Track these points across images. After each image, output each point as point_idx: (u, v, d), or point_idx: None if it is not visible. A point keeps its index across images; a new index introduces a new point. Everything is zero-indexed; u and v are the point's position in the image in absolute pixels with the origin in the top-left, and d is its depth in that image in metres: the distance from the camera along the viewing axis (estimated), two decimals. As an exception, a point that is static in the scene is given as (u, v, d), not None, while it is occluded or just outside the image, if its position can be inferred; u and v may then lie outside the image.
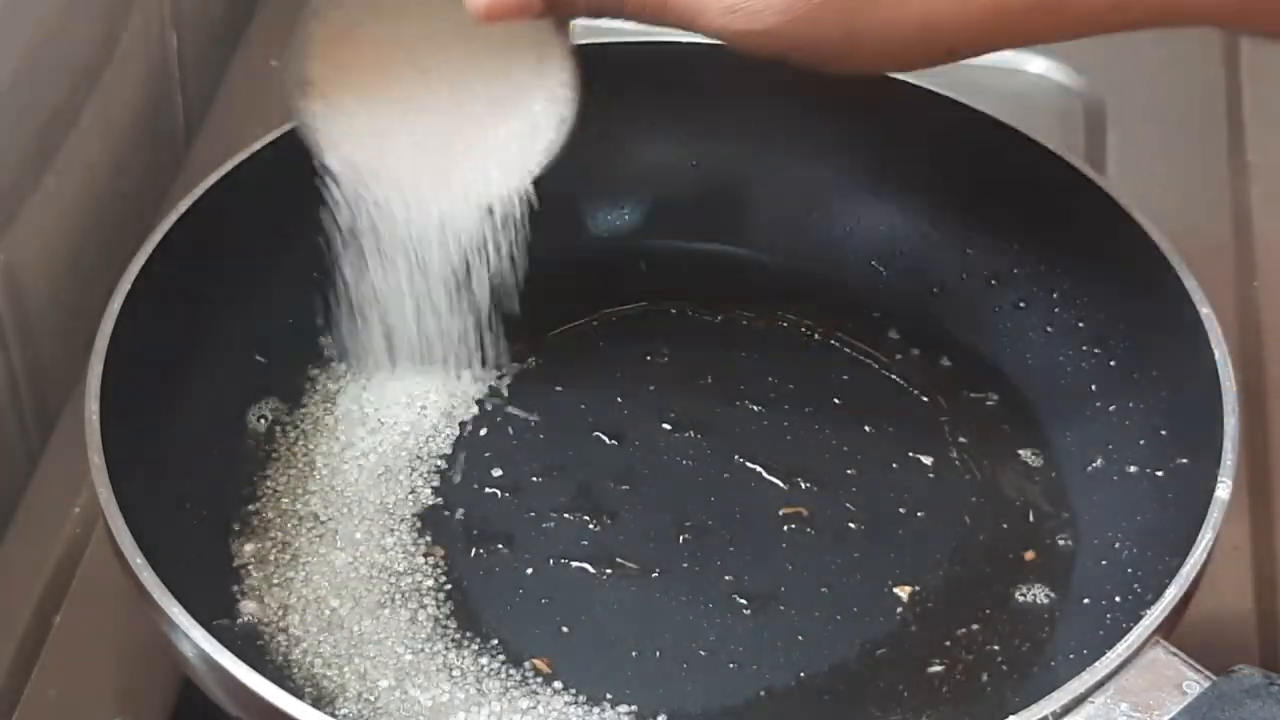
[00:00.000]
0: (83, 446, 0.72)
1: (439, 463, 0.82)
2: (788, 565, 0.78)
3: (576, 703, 0.73)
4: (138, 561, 0.68)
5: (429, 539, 0.79)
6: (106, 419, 0.72)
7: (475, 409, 0.84)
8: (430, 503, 0.80)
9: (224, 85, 1.03)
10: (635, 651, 0.75)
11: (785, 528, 0.79)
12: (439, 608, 0.76)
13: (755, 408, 0.84)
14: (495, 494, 0.81)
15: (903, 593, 0.77)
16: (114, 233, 0.90)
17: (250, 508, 0.79)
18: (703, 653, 0.75)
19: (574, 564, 0.77)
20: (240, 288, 0.83)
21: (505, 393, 0.85)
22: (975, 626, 0.76)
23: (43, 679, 0.77)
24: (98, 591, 0.80)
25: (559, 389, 0.85)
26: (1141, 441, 0.80)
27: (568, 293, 0.88)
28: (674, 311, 0.89)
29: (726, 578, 0.77)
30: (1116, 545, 0.78)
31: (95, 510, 0.75)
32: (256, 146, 0.84)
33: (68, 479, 0.83)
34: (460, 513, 0.80)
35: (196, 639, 0.67)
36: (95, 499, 0.70)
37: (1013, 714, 0.66)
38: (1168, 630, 0.68)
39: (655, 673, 0.74)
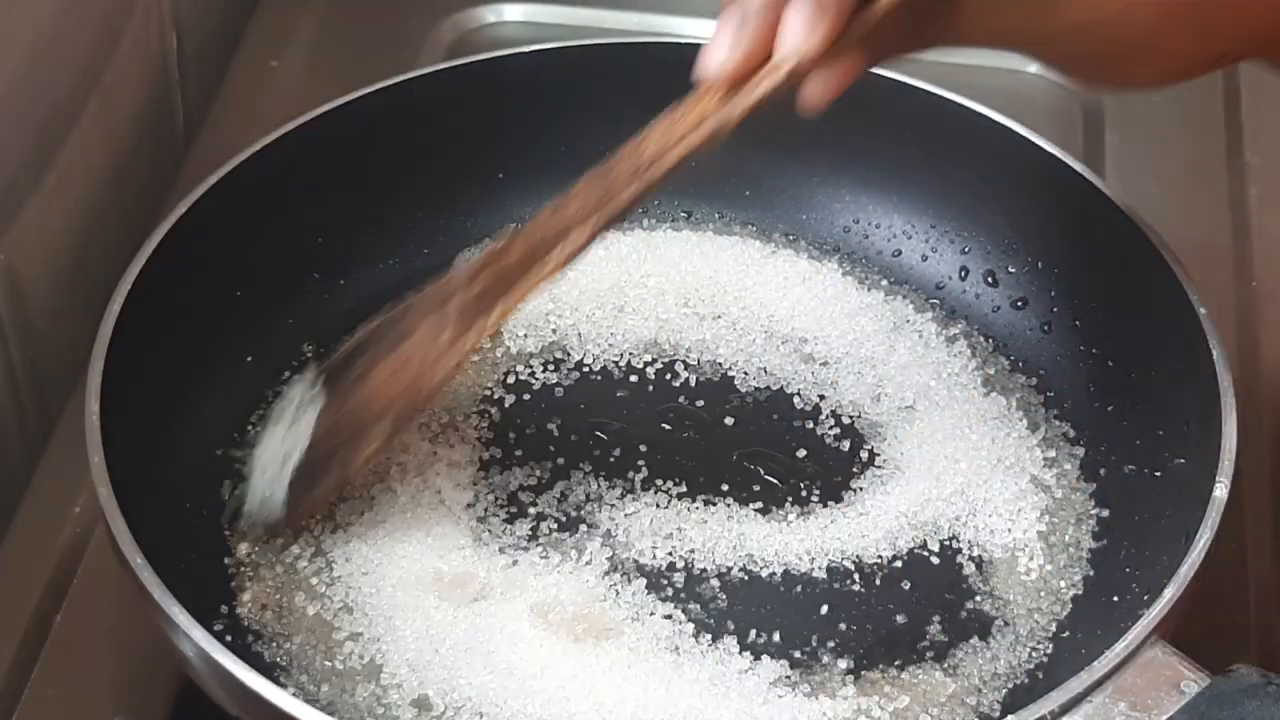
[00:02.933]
0: (83, 446, 0.72)
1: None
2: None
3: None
4: (138, 561, 0.69)
5: (429, 539, 0.79)
6: (107, 419, 0.73)
7: (476, 409, 0.84)
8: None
9: (224, 85, 1.03)
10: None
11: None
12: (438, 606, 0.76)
13: (754, 407, 0.85)
14: (492, 494, 0.81)
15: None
16: (114, 233, 0.90)
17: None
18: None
19: (576, 569, 0.77)
20: (240, 288, 0.84)
21: (504, 392, 0.85)
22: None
23: (43, 679, 0.77)
24: (98, 591, 0.80)
25: (556, 389, 0.85)
26: (1139, 441, 0.80)
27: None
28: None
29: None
30: (1114, 545, 0.78)
31: (95, 510, 0.75)
32: (256, 146, 0.84)
33: (68, 479, 0.83)
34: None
35: (196, 638, 0.67)
36: (95, 499, 0.71)
37: (1011, 713, 0.67)
38: (1166, 630, 0.68)
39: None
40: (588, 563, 0.77)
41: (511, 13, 1.08)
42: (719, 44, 0.67)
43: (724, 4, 0.67)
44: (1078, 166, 0.84)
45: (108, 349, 0.75)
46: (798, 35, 0.65)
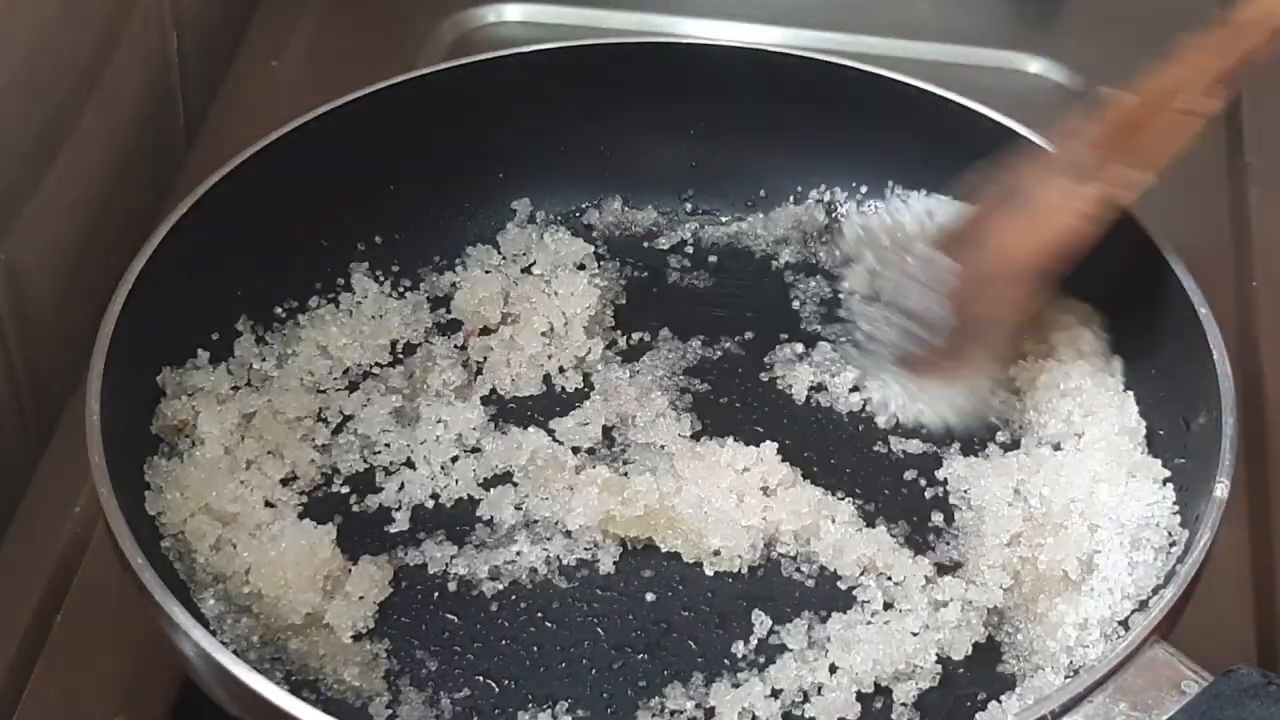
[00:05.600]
0: (83, 446, 0.72)
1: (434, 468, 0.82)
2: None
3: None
4: (138, 561, 0.69)
5: (426, 538, 0.79)
6: (107, 419, 0.72)
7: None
8: (420, 499, 0.80)
9: (224, 85, 1.03)
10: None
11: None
12: (437, 606, 0.76)
13: (752, 401, 0.85)
14: (482, 494, 0.81)
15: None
16: (114, 232, 0.90)
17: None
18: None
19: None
20: (241, 288, 0.83)
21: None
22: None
23: (43, 679, 0.77)
24: (98, 591, 0.80)
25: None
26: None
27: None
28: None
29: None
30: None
31: (95, 510, 0.75)
32: (256, 146, 0.84)
33: (68, 479, 0.83)
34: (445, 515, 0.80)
35: (196, 638, 0.67)
36: (95, 499, 0.71)
37: (1013, 714, 0.67)
38: (1166, 630, 0.68)
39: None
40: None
41: (511, 13, 1.08)
42: None
43: None
44: (1078, 167, 0.84)
45: (108, 349, 0.75)
46: None
